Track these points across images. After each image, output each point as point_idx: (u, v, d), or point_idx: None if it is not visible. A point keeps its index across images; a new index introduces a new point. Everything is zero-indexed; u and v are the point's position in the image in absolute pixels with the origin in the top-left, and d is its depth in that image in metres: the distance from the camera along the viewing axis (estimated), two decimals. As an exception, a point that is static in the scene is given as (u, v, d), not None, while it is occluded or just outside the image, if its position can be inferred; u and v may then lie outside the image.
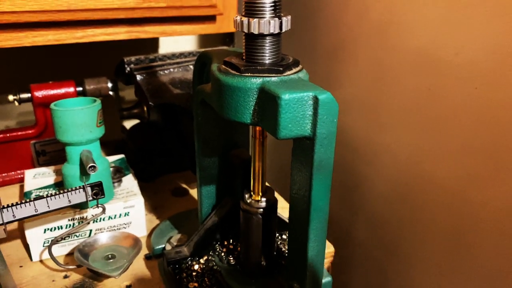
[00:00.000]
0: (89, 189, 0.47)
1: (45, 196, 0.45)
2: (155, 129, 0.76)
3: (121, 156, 0.68)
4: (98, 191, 0.47)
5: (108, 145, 0.85)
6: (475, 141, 0.51)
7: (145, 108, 0.69)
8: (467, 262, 0.55)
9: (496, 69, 0.48)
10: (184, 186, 0.73)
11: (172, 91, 0.65)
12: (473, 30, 0.49)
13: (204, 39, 1.00)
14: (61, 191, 0.46)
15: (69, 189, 0.46)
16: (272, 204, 0.45)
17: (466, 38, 0.50)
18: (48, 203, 0.45)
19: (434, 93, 0.55)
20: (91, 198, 0.47)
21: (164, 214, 0.64)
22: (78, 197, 0.46)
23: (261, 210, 0.45)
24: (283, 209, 0.63)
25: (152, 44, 0.96)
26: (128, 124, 0.86)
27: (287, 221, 0.53)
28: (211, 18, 0.71)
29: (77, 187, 0.47)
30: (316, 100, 0.34)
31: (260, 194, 0.45)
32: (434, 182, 0.58)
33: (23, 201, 0.44)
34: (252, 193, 0.46)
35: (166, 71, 0.68)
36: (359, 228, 0.73)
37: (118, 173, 0.62)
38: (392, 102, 0.62)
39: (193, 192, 0.71)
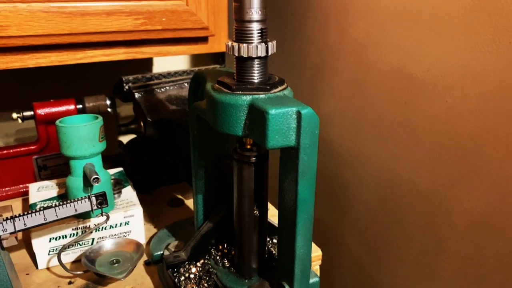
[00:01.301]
0: (94, 199, 0.51)
1: (53, 205, 0.49)
2: (151, 144, 0.80)
3: (120, 169, 0.72)
4: (102, 200, 0.51)
5: (105, 160, 0.88)
6: (447, 149, 0.56)
7: (142, 124, 0.73)
8: (441, 261, 0.59)
9: (463, 84, 0.53)
10: (180, 197, 0.77)
11: (168, 108, 0.70)
12: (441, 48, 0.55)
13: (196, 58, 1.04)
14: (68, 201, 0.50)
15: (76, 199, 0.50)
16: (263, 153, 0.47)
17: (435, 56, 0.55)
18: (56, 212, 0.49)
19: (410, 106, 0.60)
20: (95, 207, 0.51)
21: (161, 223, 0.68)
22: (83, 206, 0.50)
23: (253, 158, 0.46)
24: (274, 217, 0.67)
25: (146, 62, 1.00)
26: (125, 139, 0.90)
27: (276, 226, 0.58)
28: (203, 39, 0.76)
29: (83, 197, 0.51)
30: (299, 114, 0.38)
31: (251, 143, 0.47)
32: (411, 188, 0.62)
33: (33, 211, 0.48)
34: (244, 143, 0.48)
35: (162, 89, 0.72)
36: (346, 233, 0.77)
37: (118, 185, 0.66)
38: (373, 115, 0.67)
39: (188, 203, 0.75)
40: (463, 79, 0.53)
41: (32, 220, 0.48)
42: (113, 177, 0.67)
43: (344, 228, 0.77)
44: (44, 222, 0.48)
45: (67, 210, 0.49)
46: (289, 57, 0.83)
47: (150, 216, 0.71)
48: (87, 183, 0.57)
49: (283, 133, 0.39)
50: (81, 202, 0.50)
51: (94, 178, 0.53)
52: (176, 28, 0.71)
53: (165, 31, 0.70)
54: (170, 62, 1.02)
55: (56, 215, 0.49)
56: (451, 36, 0.53)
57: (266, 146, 0.39)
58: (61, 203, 0.49)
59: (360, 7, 0.65)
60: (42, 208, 0.48)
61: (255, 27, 0.40)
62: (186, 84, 0.75)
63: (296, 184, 0.41)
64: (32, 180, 0.77)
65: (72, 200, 0.50)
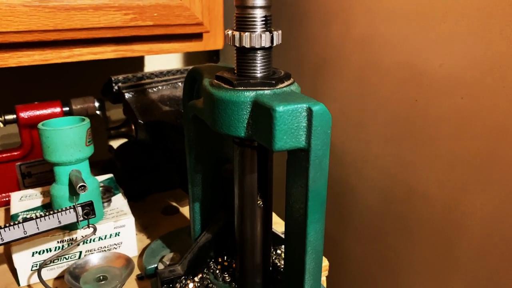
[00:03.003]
0: (79, 209, 0.46)
1: (34, 217, 0.44)
2: (143, 148, 0.75)
3: (110, 175, 0.67)
4: (89, 211, 0.46)
5: (94, 166, 0.83)
6: (462, 151, 0.52)
7: (133, 127, 0.69)
8: (454, 271, 0.55)
9: (481, 79, 0.49)
10: (174, 204, 0.72)
11: (161, 109, 0.65)
12: (455, 42, 0.51)
13: (190, 56, 1.00)
14: (51, 212, 0.45)
15: (59, 210, 0.45)
16: None
17: (449, 50, 0.51)
18: (37, 225, 0.44)
19: (421, 105, 0.56)
20: (81, 219, 0.46)
21: (155, 233, 0.63)
22: (68, 217, 0.45)
23: (256, 142, 0.41)
24: (276, 224, 0.62)
25: (137, 61, 0.96)
26: (115, 143, 0.86)
27: (282, 235, 0.53)
28: (197, 36, 0.71)
29: (67, 207, 0.46)
30: (310, 111, 0.34)
31: None
32: (421, 193, 0.58)
33: (11, 224, 0.43)
34: None
35: (154, 89, 0.68)
36: (350, 240, 0.72)
37: (107, 192, 0.61)
38: (379, 115, 0.63)
39: (184, 210, 0.70)
40: (480, 75, 0.49)
41: (10, 234, 0.43)
42: (102, 184, 0.62)
43: (349, 235, 0.73)
44: (23, 236, 0.43)
45: (49, 222, 0.44)
46: (288, 55, 0.79)
47: (143, 225, 0.66)
48: (73, 191, 0.52)
49: (291, 133, 0.34)
50: (66, 213, 0.45)
51: (81, 186, 0.48)
52: (169, 24, 0.67)
53: (157, 27, 0.66)
54: (163, 60, 0.97)
55: (38, 228, 0.44)
56: (466, 29, 0.49)
57: (273, 148, 0.34)
58: (42, 215, 0.44)
59: (367, 1, 0.61)
60: (21, 221, 0.43)
61: (259, 14, 0.35)
62: (179, 84, 0.70)
63: (307, 191, 0.36)
64: (16, 188, 0.71)
65: (56, 211, 0.45)
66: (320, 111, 0.34)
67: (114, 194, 0.62)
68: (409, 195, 0.60)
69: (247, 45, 0.36)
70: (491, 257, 0.51)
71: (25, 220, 0.44)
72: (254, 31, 0.36)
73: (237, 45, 0.36)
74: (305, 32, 0.74)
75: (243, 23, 0.36)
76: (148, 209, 0.70)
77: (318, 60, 0.72)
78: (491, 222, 0.50)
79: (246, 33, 0.36)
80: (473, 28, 0.48)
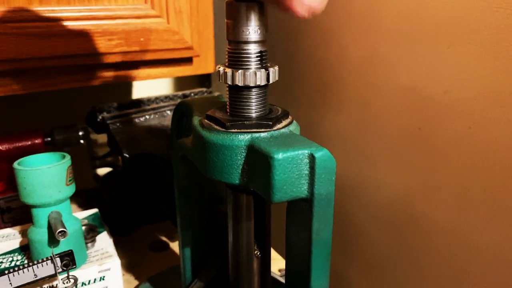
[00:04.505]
0: (57, 260, 0.42)
1: (6, 272, 0.39)
2: (131, 177, 0.71)
3: (94, 211, 0.63)
4: (69, 261, 0.42)
5: (80, 195, 0.79)
6: (473, 182, 0.49)
7: (120, 157, 0.65)
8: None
9: (491, 108, 0.46)
10: (164, 239, 0.68)
11: (149, 140, 0.61)
12: (462, 68, 0.47)
13: (180, 81, 0.96)
14: (26, 265, 0.40)
15: (35, 262, 0.41)
16: None
17: (455, 76, 0.48)
18: (10, 280, 0.39)
19: (425, 133, 0.53)
20: (60, 270, 0.42)
21: (143, 273, 0.59)
22: (45, 270, 0.41)
23: None
24: (274, 261, 0.58)
25: (124, 87, 0.92)
26: (102, 171, 0.81)
27: (281, 279, 0.49)
28: (187, 60, 0.68)
29: (44, 259, 0.41)
30: (312, 158, 0.30)
31: None
32: (428, 224, 0.55)
33: (-19, 279, 0.39)
34: None
35: (141, 118, 0.64)
36: (354, 275, 0.68)
37: (91, 232, 0.56)
38: (381, 142, 0.59)
39: (174, 246, 0.66)
40: (489, 102, 0.46)
41: (-21, 291, 0.38)
42: (86, 222, 0.58)
43: (351, 270, 0.69)
44: (-6, 293, 0.39)
45: (24, 276, 0.40)
46: (281, 80, 0.76)
47: (130, 264, 0.61)
48: (53, 235, 0.47)
49: (292, 182, 0.31)
50: (42, 265, 0.41)
51: (60, 232, 0.44)
52: (156, 49, 0.63)
53: (144, 53, 0.62)
54: (152, 85, 0.93)
55: (10, 283, 0.39)
56: (475, 54, 0.46)
57: (272, 200, 0.31)
58: (15, 269, 0.39)
59: (366, 22, 0.58)
60: (-8, 276, 0.39)
61: (253, 49, 0.32)
62: (168, 112, 0.66)
63: (310, 244, 0.32)
64: (-6, 225, 0.67)
65: (31, 264, 0.41)
66: (323, 158, 0.30)
67: (99, 233, 0.57)
68: (415, 226, 0.57)
69: (241, 84, 0.32)
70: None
71: (-4, 274, 0.39)
72: (248, 68, 0.32)
73: (230, 83, 0.33)
74: (300, 55, 0.71)
75: (236, 60, 0.32)
76: (136, 245, 0.66)
77: (316, 84, 0.69)
78: (506, 261, 0.47)
79: (240, 71, 0.32)
80: (482, 55, 0.45)
